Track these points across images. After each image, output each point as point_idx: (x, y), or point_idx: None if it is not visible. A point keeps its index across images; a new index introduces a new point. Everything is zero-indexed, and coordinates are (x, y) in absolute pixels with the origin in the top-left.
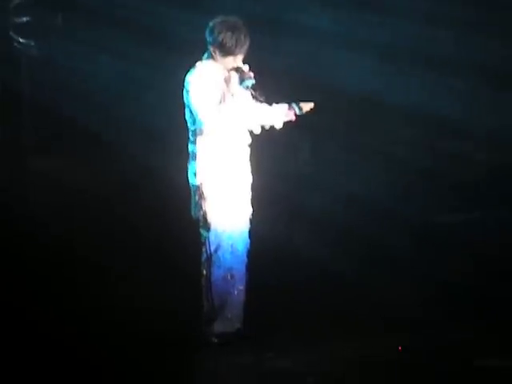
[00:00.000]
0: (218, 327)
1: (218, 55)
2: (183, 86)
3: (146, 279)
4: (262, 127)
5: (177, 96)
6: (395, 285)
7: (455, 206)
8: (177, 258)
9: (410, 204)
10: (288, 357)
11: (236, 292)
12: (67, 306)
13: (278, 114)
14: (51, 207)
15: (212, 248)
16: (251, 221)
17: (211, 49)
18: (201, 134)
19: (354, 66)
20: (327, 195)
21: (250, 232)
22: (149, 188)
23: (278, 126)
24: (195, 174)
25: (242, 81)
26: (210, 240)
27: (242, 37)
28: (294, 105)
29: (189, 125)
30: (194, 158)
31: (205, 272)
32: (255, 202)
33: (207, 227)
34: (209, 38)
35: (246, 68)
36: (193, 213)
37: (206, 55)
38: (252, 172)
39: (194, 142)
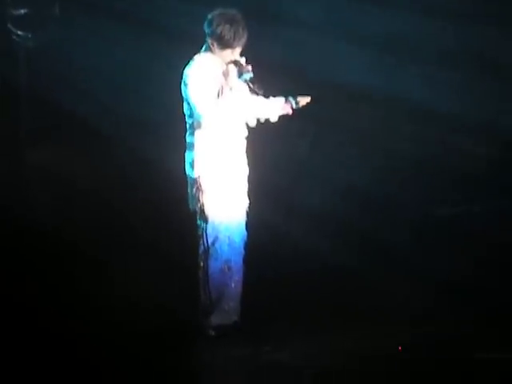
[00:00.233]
0: (215, 319)
1: (216, 48)
2: (181, 78)
3: (143, 272)
4: (258, 120)
5: (175, 88)
6: (394, 277)
7: (455, 198)
8: (174, 250)
9: (409, 196)
10: (285, 349)
11: (233, 284)
12: (64, 296)
13: (275, 108)
14: (49, 199)
15: (209, 240)
16: (248, 213)
17: (209, 41)
18: (198, 126)
19: (352, 58)
20: (326, 187)
21: (246, 224)
22: (146, 180)
23: (274, 119)
24: (192, 167)
25: (240, 74)
26: (208, 232)
27: (241, 29)
28: (290, 98)
29: (186, 118)
30: (191, 148)
31: (202, 264)
32: (252, 194)
33: (204, 219)
34: (207, 31)
35: (243, 61)
36: (190, 205)
37: (204, 47)
38: (249, 164)
39: (192, 134)
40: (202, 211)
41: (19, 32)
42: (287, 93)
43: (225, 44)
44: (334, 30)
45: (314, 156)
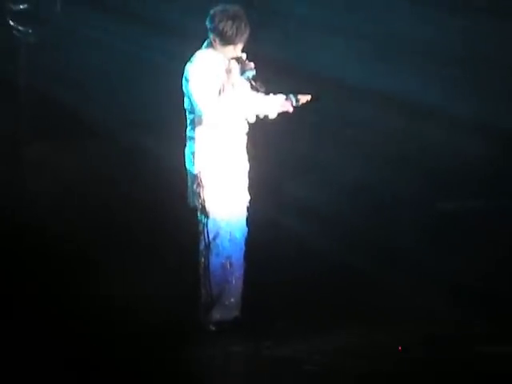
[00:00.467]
0: (216, 315)
1: (217, 44)
2: (183, 74)
3: (143, 267)
4: (257, 116)
5: (176, 84)
6: (396, 276)
7: (461, 195)
8: (175, 246)
9: (414, 194)
10: (286, 345)
11: (234, 280)
12: (63, 293)
13: (275, 105)
14: (47, 197)
15: (210, 236)
16: (248, 209)
17: (211, 37)
18: (199, 122)
19: (357, 56)
20: (329, 184)
21: (247, 220)
22: (147, 177)
23: (273, 116)
24: (193, 162)
25: (243, 72)
26: (209, 228)
27: (243, 26)
28: (291, 96)
29: (187, 113)
30: (192, 144)
31: (203, 260)
32: (253, 190)
33: (205, 215)
34: (209, 26)
35: (244, 57)
36: (191, 201)
37: (205, 43)
38: (249, 160)
39: (192, 130)
40: (203, 207)
41: (20, 27)
42: (288, 90)
43: (227, 40)
44: (335, 28)
45: (316, 152)
